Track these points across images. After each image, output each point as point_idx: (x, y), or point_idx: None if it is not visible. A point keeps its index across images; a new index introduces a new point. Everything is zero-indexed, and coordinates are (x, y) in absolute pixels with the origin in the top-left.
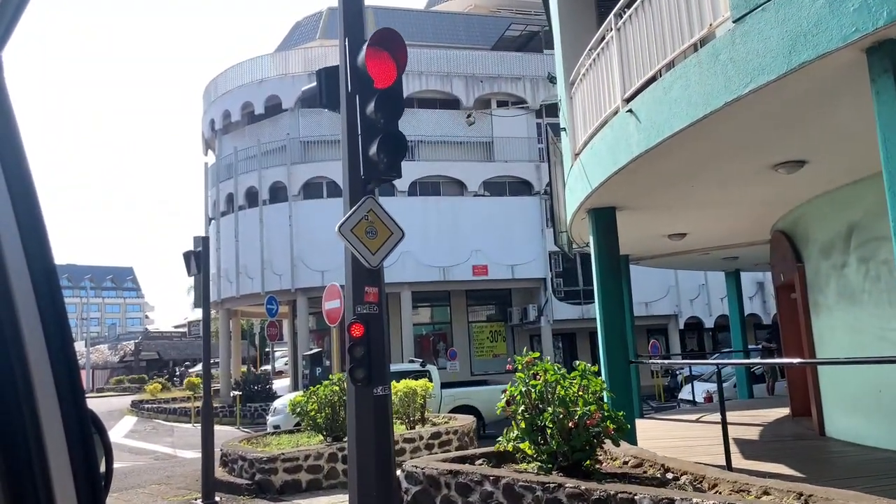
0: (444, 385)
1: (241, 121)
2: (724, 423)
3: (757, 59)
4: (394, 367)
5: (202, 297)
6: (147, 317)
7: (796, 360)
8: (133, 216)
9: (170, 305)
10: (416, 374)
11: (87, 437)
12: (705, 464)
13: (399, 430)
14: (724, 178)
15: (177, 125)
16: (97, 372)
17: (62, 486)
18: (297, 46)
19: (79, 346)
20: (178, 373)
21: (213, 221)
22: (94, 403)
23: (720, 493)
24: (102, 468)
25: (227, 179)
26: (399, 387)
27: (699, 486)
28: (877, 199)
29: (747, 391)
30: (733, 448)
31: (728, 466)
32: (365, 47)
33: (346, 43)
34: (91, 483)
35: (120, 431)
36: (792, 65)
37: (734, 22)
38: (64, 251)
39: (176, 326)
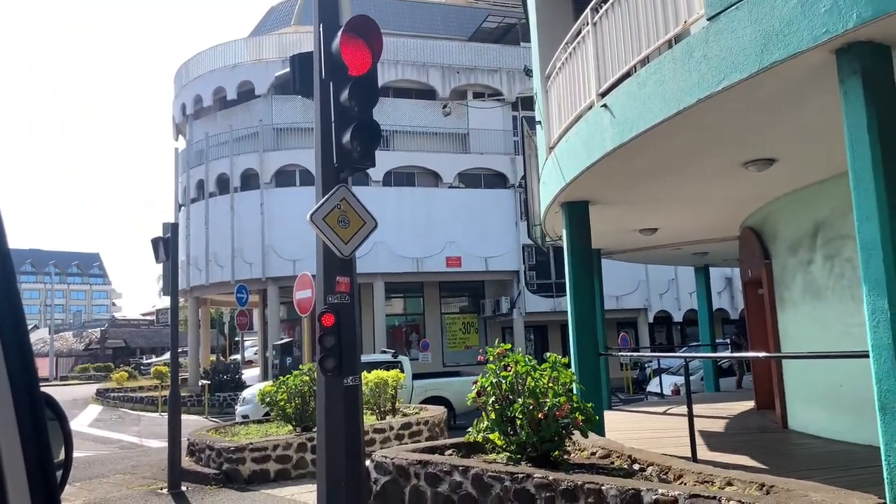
0: (416, 376)
1: (213, 106)
2: (691, 416)
3: (730, 57)
4: (365, 358)
5: (170, 285)
6: (114, 304)
7: (762, 354)
8: (101, 201)
9: (138, 293)
10: (388, 365)
11: (41, 422)
12: (671, 455)
13: (369, 420)
14: (695, 175)
15: (147, 108)
16: (61, 360)
17: (13, 473)
18: (272, 32)
19: (42, 333)
20: (143, 361)
21: (182, 208)
22: (58, 391)
23: (685, 483)
24: (62, 456)
25: (198, 165)
26: (370, 377)
27: (665, 476)
28: (843, 197)
29: (714, 384)
30: (699, 440)
31: (693, 458)
32: (340, 34)
33: (321, 29)
34: (44, 470)
35: (84, 420)
36: (764, 64)
37: (708, 20)
38: (28, 236)
39: (144, 314)
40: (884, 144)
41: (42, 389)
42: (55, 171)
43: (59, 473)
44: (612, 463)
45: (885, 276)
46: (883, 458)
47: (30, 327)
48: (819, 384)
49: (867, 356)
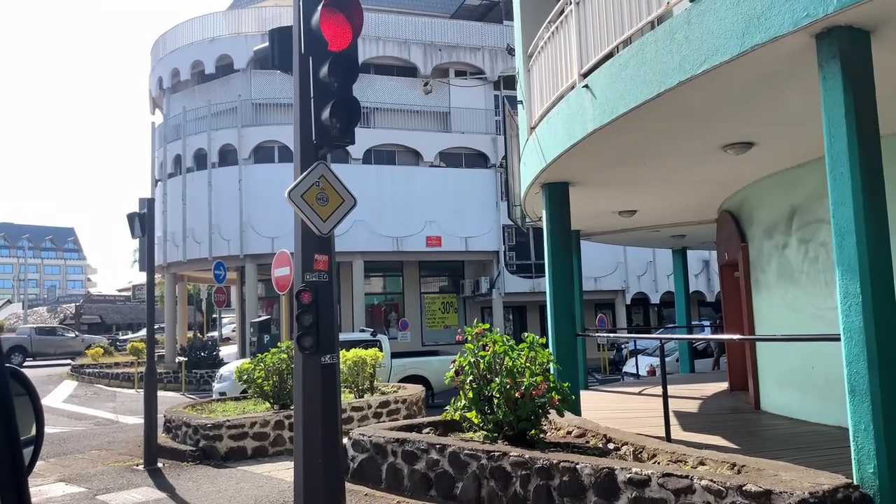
0: (395, 355)
1: (191, 80)
2: (665, 396)
3: (711, 39)
4: (344, 336)
5: (146, 261)
6: (89, 279)
7: (735, 336)
8: (76, 175)
9: (114, 268)
10: (367, 344)
11: (6, 397)
12: (646, 435)
13: (347, 398)
14: (674, 157)
15: (124, 80)
16: None
17: None
18: (251, 5)
19: (16, 308)
20: (119, 337)
21: (159, 183)
22: (32, 367)
23: (659, 462)
24: (32, 432)
25: (175, 140)
26: (349, 356)
27: (639, 456)
28: (819, 182)
29: (689, 366)
30: (673, 420)
31: (667, 438)
32: (320, 8)
33: (301, 3)
34: (11, 445)
35: (59, 396)
36: (744, 47)
37: (691, 1)
38: (1, 209)
39: (120, 290)
40: (860, 130)
41: (10, 364)
42: (29, 144)
43: (29, 450)
44: (588, 442)
45: (858, 261)
46: (851, 438)
47: (3, 302)
48: (791, 366)
49: (839, 339)
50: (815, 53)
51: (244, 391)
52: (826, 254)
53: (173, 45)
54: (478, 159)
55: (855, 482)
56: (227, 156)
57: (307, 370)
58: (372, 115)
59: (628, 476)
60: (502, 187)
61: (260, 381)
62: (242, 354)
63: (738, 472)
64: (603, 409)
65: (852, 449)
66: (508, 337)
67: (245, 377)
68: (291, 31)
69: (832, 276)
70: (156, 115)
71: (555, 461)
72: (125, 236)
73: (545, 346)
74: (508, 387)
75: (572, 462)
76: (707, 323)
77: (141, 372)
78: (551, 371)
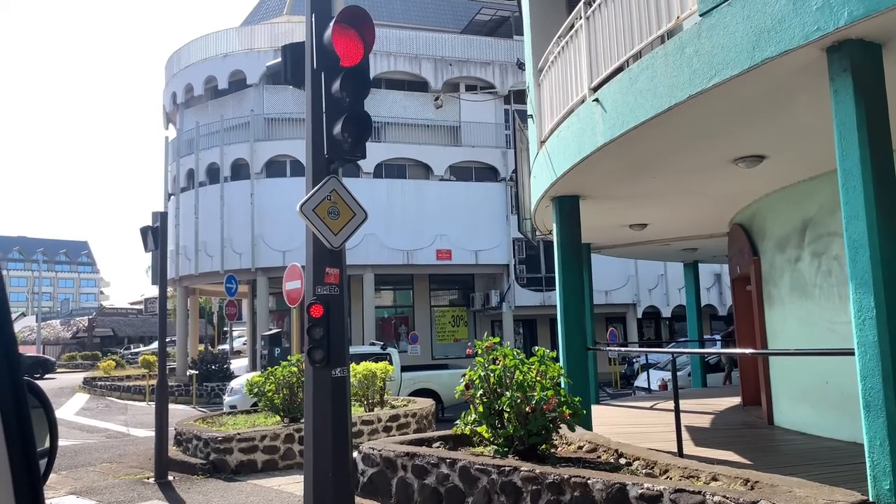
0: (405, 368)
1: (204, 95)
2: (678, 411)
3: (722, 53)
4: (354, 350)
5: (159, 274)
6: (102, 293)
7: (748, 351)
8: (90, 189)
9: (127, 281)
10: (377, 357)
11: (24, 411)
12: (658, 450)
13: (357, 411)
14: (685, 171)
15: (138, 96)
16: (48, 347)
17: None
18: (264, 21)
19: (29, 321)
20: (131, 350)
21: (172, 197)
22: (44, 380)
23: (671, 478)
24: (46, 444)
25: (188, 154)
26: (359, 369)
27: (651, 471)
28: (831, 195)
29: (701, 380)
30: (685, 435)
31: (679, 453)
32: (332, 24)
33: (313, 19)
34: (27, 458)
35: (71, 409)
36: (755, 61)
37: (701, 15)
38: (16, 223)
39: (132, 303)
40: (872, 143)
41: (26, 377)
42: (44, 159)
43: (43, 462)
44: (599, 457)
45: (872, 275)
46: (866, 454)
47: (17, 315)
48: (805, 381)
49: (853, 354)
50: (827, 66)
51: (255, 404)
52: (839, 267)
53: (187, 60)
54: (488, 173)
55: (871, 499)
56: (240, 170)
57: (318, 383)
58: (383, 129)
59: (640, 491)
60: (512, 201)
61: (270, 394)
62: (253, 367)
63: (752, 488)
64: (614, 423)
65: (868, 465)
66: (519, 350)
67: (255, 390)
68: (304, 46)
69: (846, 289)
70: (169, 129)
71: (566, 476)
72: (138, 250)
73: (556, 359)
74: (519, 401)
75: (583, 477)
76: (718, 336)
77: (152, 385)
78: (562, 385)
